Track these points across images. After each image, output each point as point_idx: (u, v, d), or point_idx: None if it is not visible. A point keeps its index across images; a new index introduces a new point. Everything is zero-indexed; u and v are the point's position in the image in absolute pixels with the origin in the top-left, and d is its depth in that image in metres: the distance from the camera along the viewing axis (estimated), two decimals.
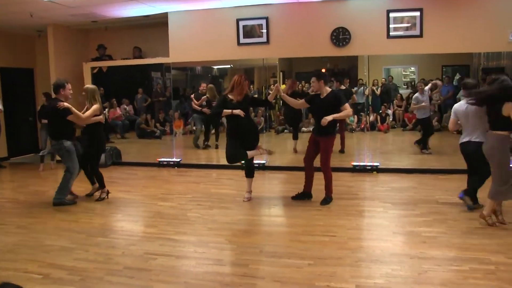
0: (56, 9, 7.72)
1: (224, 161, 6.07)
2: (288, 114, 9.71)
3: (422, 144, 8.93)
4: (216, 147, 9.85)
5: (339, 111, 5.71)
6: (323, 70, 9.69)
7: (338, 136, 7.07)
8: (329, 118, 5.57)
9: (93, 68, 9.42)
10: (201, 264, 4.05)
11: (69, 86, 6.12)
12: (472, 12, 7.28)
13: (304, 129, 10.73)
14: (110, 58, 9.71)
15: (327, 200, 5.94)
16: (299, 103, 6.28)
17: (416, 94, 8.81)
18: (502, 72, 9.03)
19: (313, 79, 5.82)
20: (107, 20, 9.10)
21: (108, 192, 6.41)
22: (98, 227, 5.18)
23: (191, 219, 5.41)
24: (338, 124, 5.98)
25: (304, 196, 6.09)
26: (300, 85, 10.18)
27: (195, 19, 8.42)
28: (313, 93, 6.03)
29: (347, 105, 5.75)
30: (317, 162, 5.93)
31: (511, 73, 8.83)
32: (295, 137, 9.11)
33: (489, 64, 8.75)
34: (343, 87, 9.46)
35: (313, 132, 6.02)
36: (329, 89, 5.85)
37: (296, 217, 5.44)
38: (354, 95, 9.88)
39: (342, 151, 8.85)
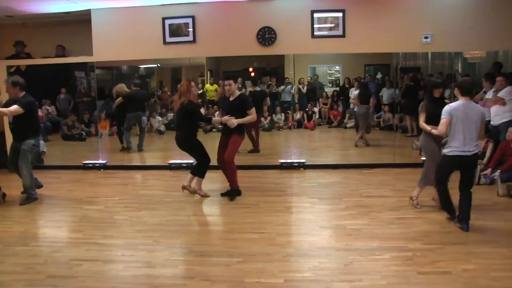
0: None
1: (151, 162, 5.98)
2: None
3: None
4: None
5: (245, 114, 5.94)
6: (250, 69, 9.80)
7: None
8: (235, 122, 5.82)
9: (9, 67, 8.89)
10: (130, 268, 3.99)
11: None
12: (390, 15, 7.67)
13: None
14: (29, 56, 9.22)
15: (232, 193, 6.08)
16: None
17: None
18: (418, 71, 9.66)
19: (230, 81, 5.98)
20: (24, 16, 8.63)
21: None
22: (18, 235, 4.91)
23: (118, 222, 5.30)
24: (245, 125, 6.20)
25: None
26: None
27: (120, 17, 8.21)
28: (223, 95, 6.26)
29: (253, 109, 5.98)
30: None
31: (426, 72, 9.45)
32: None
33: (407, 64, 9.27)
34: (258, 88, 9.50)
35: (223, 133, 6.17)
36: (238, 92, 6.06)
37: (224, 215, 5.50)
38: (268, 98, 9.97)
39: (256, 150, 8.90)
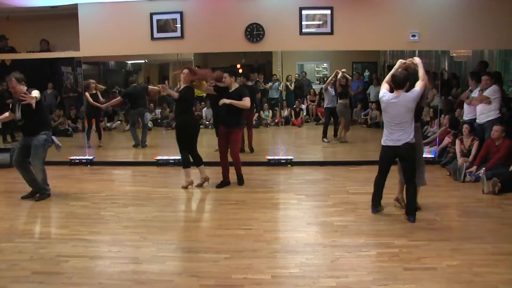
0: None
1: (138, 158, 5.95)
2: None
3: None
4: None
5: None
6: (238, 66, 9.78)
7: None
8: (227, 101, 6.13)
9: None
10: (116, 264, 3.97)
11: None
12: (378, 13, 7.69)
13: None
14: (13, 50, 9.10)
15: (241, 181, 6.52)
16: (206, 88, 6.75)
17: None
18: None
19: (226, 74, 6.31)
20: (8, 9, 8.50)
21: None
22: (2, 232, 4.83)
23: (105, 218, 5.26)
24: (245, 120, 6.41)
25: (225, 184, 6.47)
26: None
27: (107, 12, 8.12)
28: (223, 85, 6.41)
29: (247, 98, 6.26)
30: None
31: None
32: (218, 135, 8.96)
33: (394, 62, 9.32)
34: (249, 83, 9.45)
35: (223, 124, 6.42)
36: (237, 85, 6.45)
37: (211, 212, 5.51)
38: (259, 94, 9.95)
39: (250, 148, 8.73)
